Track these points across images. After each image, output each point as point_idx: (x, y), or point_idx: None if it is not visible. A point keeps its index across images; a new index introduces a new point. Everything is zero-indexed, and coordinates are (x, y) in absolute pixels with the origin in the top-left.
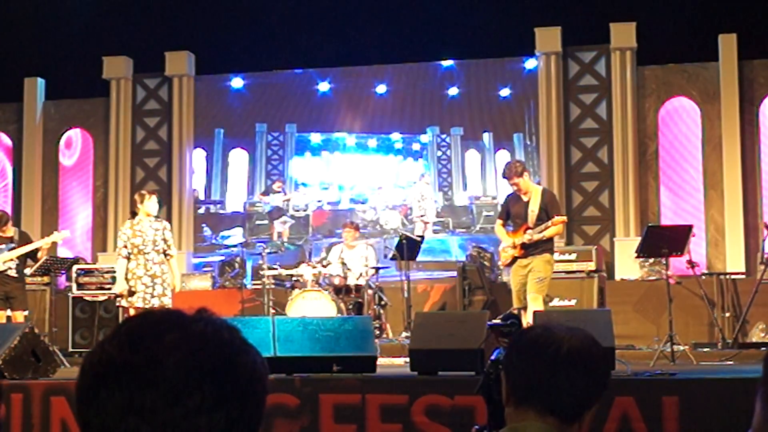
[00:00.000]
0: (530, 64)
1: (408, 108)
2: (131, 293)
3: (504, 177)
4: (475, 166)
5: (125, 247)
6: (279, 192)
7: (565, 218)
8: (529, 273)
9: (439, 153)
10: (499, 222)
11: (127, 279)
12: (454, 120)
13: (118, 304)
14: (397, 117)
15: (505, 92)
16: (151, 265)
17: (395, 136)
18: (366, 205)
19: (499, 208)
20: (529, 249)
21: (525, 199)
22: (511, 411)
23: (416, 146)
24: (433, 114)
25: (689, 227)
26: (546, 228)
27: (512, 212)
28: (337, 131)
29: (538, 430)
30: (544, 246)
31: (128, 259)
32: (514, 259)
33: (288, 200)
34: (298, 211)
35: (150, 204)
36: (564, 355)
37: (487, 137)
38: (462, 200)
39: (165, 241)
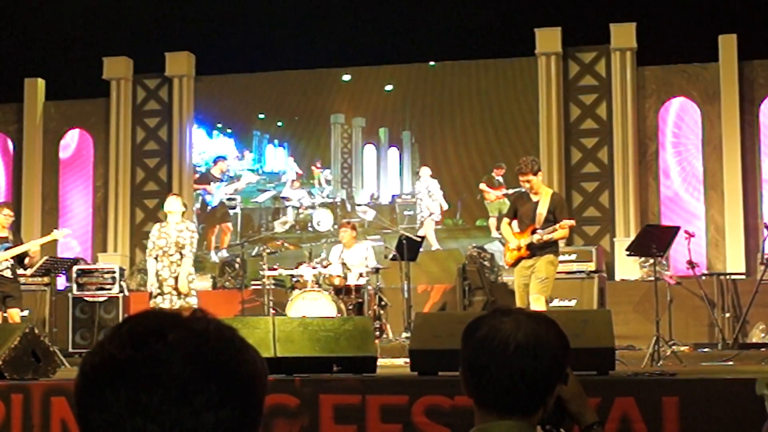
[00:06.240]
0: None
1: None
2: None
3: (519, 172)
4: (372, 162)
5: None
6: (219, 179)
7: (573, 222)
8: (532, 274)
9: (341, 145)
10: (506, 221)
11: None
12: (356, 110)
13: (152, 304)
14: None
15: (389, 87)
16: (175, 267)
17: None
18: (288, 205)
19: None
20: (534, 250)
21: (535, 199)
22: (476, 411)
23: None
24: (332, 100)
25: (677, 228)
26: (554, 230)
27: (520, 212)
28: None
29: (504, 428)
30: (549, 248)
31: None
32: (518, 260)
33: (236, 191)
34: (234, 208)
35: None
36: (512, 353)
37: (383, 132)
38: (363, 199)
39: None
